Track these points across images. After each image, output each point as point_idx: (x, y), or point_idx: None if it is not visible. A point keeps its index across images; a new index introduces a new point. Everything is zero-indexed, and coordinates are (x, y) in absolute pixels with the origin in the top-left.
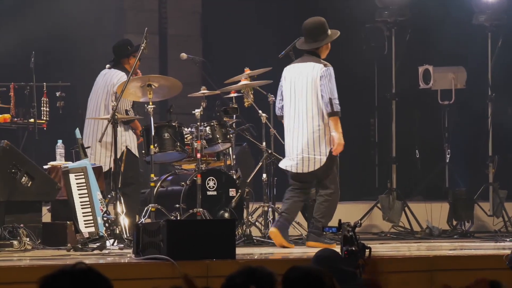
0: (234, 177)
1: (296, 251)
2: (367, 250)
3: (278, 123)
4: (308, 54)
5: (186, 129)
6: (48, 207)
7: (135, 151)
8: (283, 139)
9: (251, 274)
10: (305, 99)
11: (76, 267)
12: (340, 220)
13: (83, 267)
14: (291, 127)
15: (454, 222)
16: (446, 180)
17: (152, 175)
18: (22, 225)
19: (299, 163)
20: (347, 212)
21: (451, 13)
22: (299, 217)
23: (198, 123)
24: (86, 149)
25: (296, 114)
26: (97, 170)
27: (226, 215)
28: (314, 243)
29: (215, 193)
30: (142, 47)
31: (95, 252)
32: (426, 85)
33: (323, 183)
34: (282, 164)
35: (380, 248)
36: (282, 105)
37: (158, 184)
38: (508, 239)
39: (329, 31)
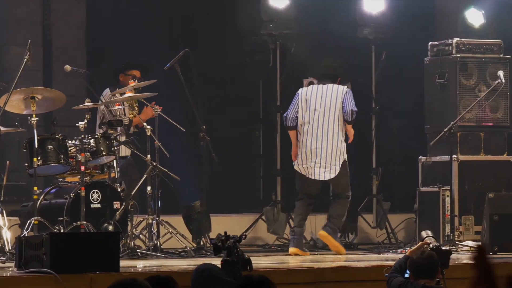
0: (119, 189)
1: (180, 264)
2: None
3: (163, 135)
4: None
5: (70, 141)
6: None
7: None
8: (168, 152)
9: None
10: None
11: None
12: (225, 232)
13: None
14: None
15: (338, 234)
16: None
17: (35, 188)
18: None
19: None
20: (232, 224)
21: (336, 26)
22: (184, 230)
23: (82, 136)
24: None
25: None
26: None
27: (110, 228)
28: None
29: (99, 205)
30: (25, 59)
31: None
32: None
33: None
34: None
35: (264, 261)
36: (296, 117)
37: (41, 197)
38: (391, 251)
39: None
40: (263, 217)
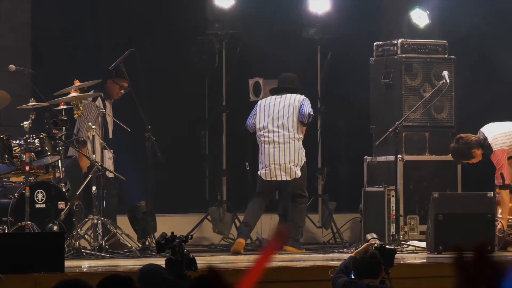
0: (63, 189)
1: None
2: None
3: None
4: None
5: (14, 141)
6: None
7: None
8: (113, 152)
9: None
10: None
11: None
12: (172, 233)
13: None
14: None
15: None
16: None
17: None
18: None
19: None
20: (178, 224)
21: (282, 26)
22: (130, 230)
23: (27, 136)
24: None
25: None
26: None
27: (55, 228)
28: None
29: (44, 206)
30: None
31: None
32: (256, 98)
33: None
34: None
35: (210, 261)
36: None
37: None
38: (336, 251)
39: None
40: (209, 217)
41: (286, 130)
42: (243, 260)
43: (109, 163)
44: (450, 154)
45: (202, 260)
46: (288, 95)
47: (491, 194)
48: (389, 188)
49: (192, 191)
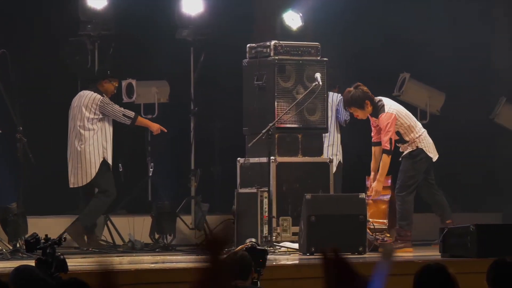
0: None
1: None
2: None
3: None
4: None
5: None
6: None
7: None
8: None
9: None
10: None
11: None
12: (46, 235)
13: None
14: None
15: (157, 236)
16: (149, 194)
17: None
18: None
19: None
20: (50, 226)
21: (156, 27)
22: (1, 232)
23: None
24: None
25: None
26: None
27: None
28: None
29: None
30: None
31: None
32: (129, 99)
33: None
34: None
35: (82, 263)
36: None
37: None
38: None
39: None
40: None
41: None
42: (117, 262)
43: None
44: (346, 98)
45: (73, 262)
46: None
47: (362, 195)
48: (262, 189)
49: (63, 193)
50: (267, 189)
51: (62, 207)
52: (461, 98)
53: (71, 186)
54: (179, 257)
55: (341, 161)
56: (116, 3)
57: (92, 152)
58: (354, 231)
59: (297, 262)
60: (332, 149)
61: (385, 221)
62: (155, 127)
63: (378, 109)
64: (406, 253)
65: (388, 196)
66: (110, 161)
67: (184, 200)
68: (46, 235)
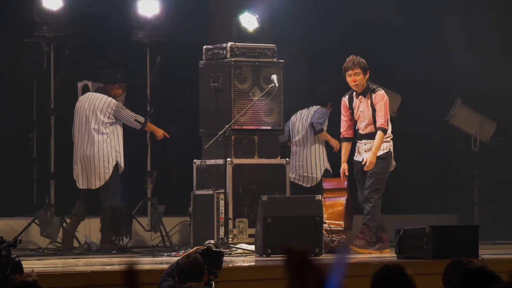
0: None
1: None
2: None
3: None
4: None
5: None
6: None
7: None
8: None
9: None
10: None
11: None
12: (1, 237)
13: None
14: None
15: (113, 237)
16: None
17: None
18: None
19: None
20: (4, 228)
21: (112, 29)
22: None
23: None
24: None
25: None
26: None
27: None
28: None
29: None
30: None
31: None
32: None
33: None
34: None
35: (38, 265)
36: None
37: None
38: (165, 254)
39: None
40: (37, 221)
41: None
42: (73, 264)
43: None
44: (355, 59)
45: (28, 264)
46: None
47: (319, 197)
48: (218, 191)
49: (20, 194)
50: (223, 191)
51: (17, 208)
52: (417, 99)
53: (81, 187)
54: (135, 259)
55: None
56: (72, 4)
57: (106, 156)
58: (310, 232)
59: (253, 263)
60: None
61: (341, 222)
62: (160, 133)
63: (369, 88)
64: (385, 254)
65: (345, 198)
66: (122, 164)
67: (140, 202)
68: (1, 237)
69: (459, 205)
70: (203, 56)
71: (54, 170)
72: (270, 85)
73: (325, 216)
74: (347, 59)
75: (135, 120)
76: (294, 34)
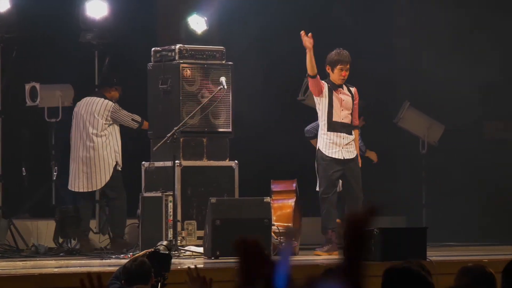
0: None
1: None
2: None
3: None
4: None
5: None
6: None
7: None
8: None
9: None
10: None
11: None
12: None
13: None
14: None
15: (61, 240)
16: (53, 198)
17: None
18: None
19: None
20: None
21: (59, 30)
22: None
23: None
24: None
25: None
26: None
27: None
28: None
29: None
30: None
31: None
32: (33, 103)
33: None
34: None
35: None
36: None
37: None
38: (114, 256)
39: None
40: None
41: None
42: (18, 266)
43: None
44: (347, 54)
45: None
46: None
47: (267, 199)
48: (167, 193)
49: None
50: (172, 193)
51: None
52: (365, 101)
53: (82, 190)
54: (83, 261)
55: None
56: (20, 6)
57: (106, 157)
58: (259, 235)
59: (202, 266)
60: None
61: (290, 224)
62: None
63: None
64: (333, 256)
65: (293, 200)
66: (121, 163)
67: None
68: None
69: (408, 207)
70: (152, 58)
71: (1, 172)
72: (219, 88)
73: (273, 218)
74: (340, 52)
75: (132, 119)
76: (245, 35)
